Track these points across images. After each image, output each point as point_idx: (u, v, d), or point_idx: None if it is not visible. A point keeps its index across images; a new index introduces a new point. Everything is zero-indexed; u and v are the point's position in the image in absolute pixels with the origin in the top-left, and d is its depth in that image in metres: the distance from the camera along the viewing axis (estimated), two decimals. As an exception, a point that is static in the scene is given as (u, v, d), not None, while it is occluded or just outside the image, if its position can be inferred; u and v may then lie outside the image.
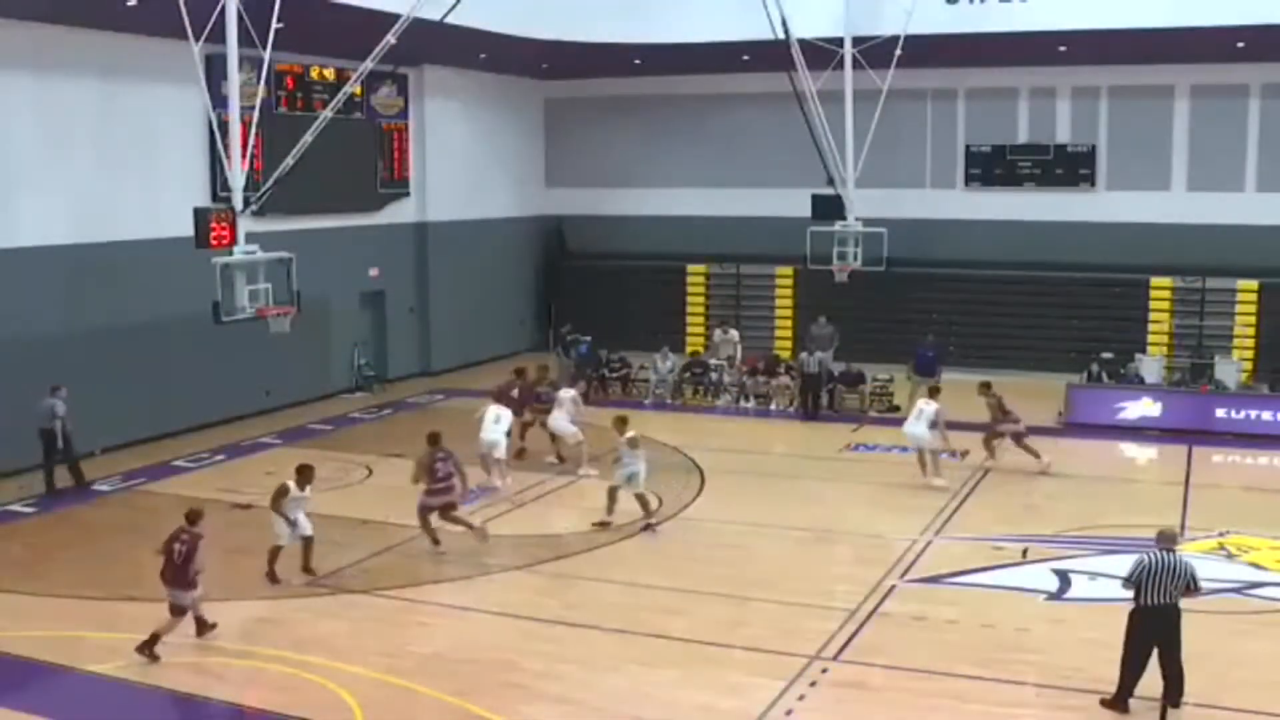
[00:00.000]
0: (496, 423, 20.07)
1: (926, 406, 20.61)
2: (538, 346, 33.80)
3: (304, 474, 15.78)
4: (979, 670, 12.68)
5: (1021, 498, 19.70)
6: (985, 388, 21.93)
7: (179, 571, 13.29)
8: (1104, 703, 11.74)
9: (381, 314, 29.78)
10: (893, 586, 15.37)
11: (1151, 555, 11.65)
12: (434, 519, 16.84)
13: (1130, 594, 11.72)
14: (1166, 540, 11.91)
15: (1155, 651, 11.63)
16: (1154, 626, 11.60)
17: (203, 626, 13.67)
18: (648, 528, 17.78)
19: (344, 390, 28.11)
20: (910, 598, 14.99)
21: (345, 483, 20.39)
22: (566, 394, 21.75)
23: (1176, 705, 11.60)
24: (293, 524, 15.60)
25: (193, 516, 13.67)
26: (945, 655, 13.06)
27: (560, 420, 21.23)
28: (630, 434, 18.14)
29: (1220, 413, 23.87)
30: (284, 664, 12.90)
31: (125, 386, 21.95)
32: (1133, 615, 11.71)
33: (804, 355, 26.72)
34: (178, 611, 13.32)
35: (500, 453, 19.98)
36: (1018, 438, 21.33)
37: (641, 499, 17.83)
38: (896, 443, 22.82)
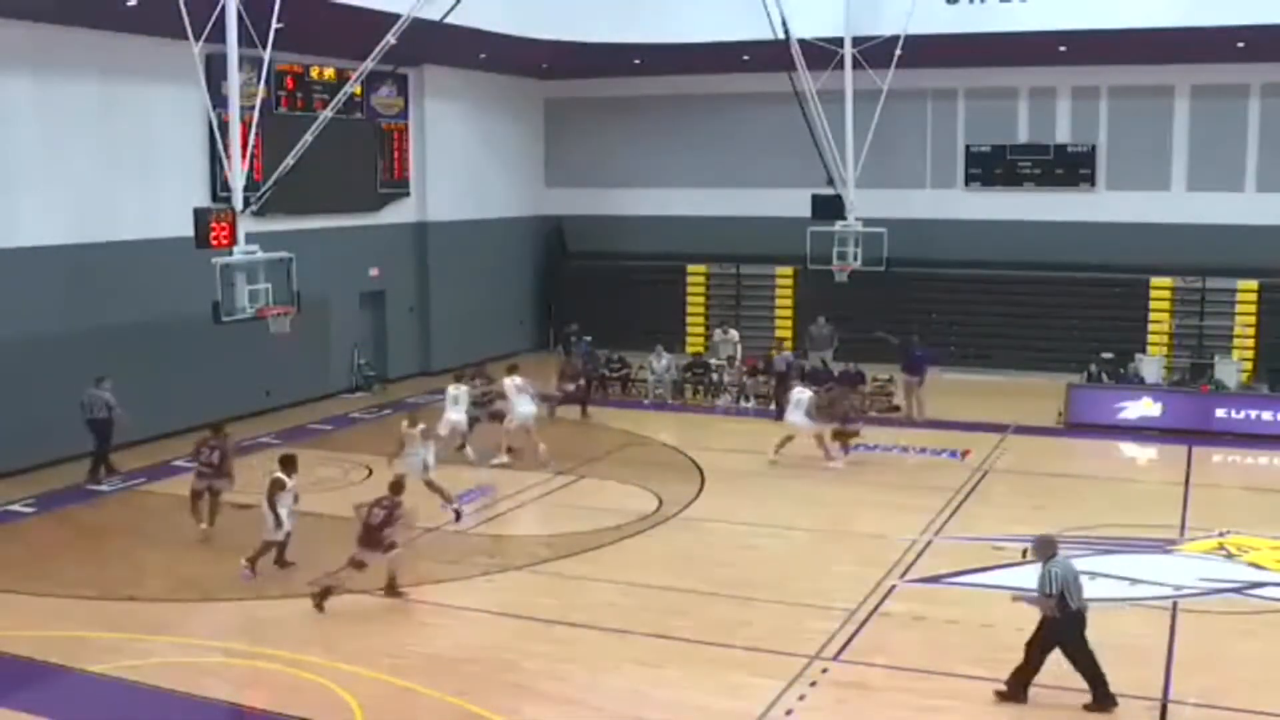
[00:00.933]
0: (455, 404, 20.87)
1: (801, 395, 21.37)
2: (538, 346, 33.85)
3: (289, 464, 15.94)
4: (979, 670, 12.67)
5: (1022, 498, 19.68)
6: (828, 390, 22.53)
7: (371, 533, 14.53)
8: (1088, 707, 11.74)
9: (381, 314, 29.78)
10: (893, 586, 15.37)
11: (1059, 564, 11.80)
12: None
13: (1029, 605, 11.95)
14: (1050, 547, 12.04)
15: (1059, 650, 11.83)
16: (1082, 627, 11.79)
17: (392, 587, 14.65)
18: (456, 515, 18.12)
19: (344, 390, 28.10)
20: (910, 598, 14.99)
21: (346, 483, 20.38)
22: (512, 382, 21.49)
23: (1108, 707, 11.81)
24: (280, 519, 15.65)
25: (396, 487, 14.97)
26: (945, 655, 13.07)
27: (525, 405, 21.27)
28: (421, 426, 18.59)
29: (1220, 413, 23.85)
30: (284, 664, 12.91)
31: (125, 387, 21.82)
32: (1066, 622, 11.71)
33: (776, 355, 26.76)
34: (358, 565, 14.49)
35: (462, 427, 20.81)
36: (839, 417, 21.78)
37: (432, 485, 18.16)
38: (896, 443, 22.90)
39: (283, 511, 15.64)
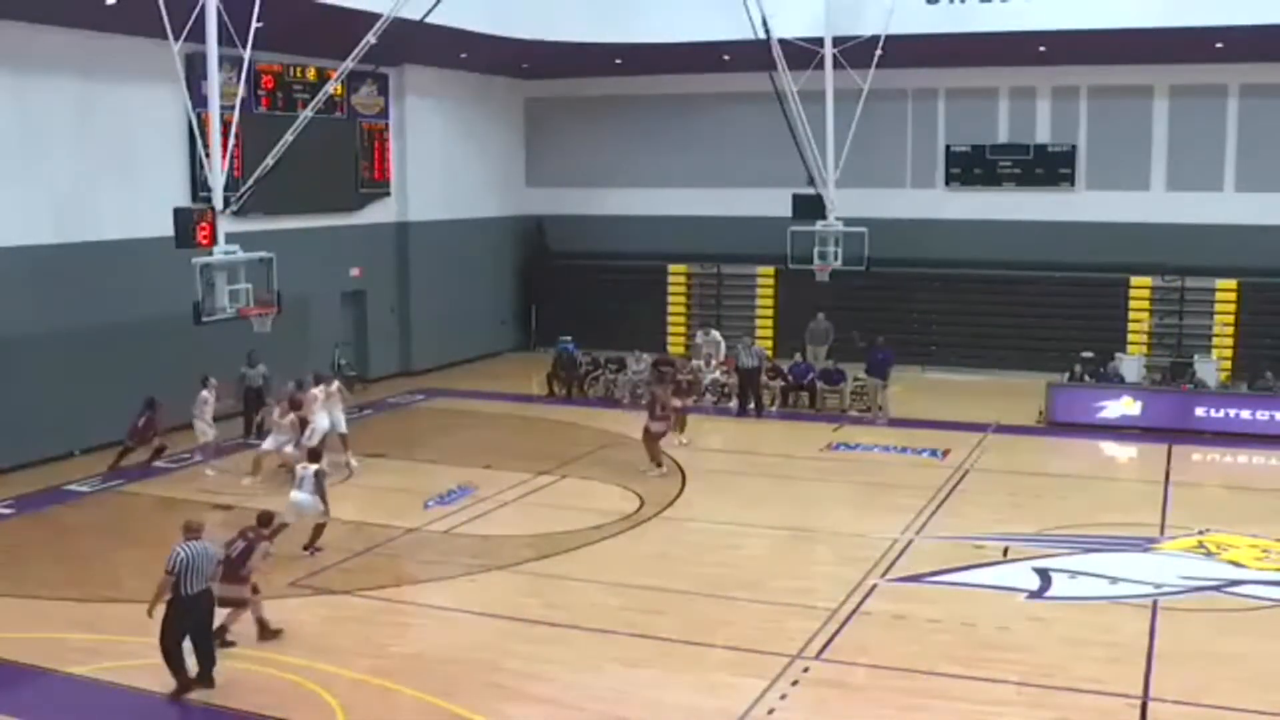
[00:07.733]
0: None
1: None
2: (519, 346, 33.82)
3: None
4: (960, 669, 12.71)
5: (1002, 497, 19.73)
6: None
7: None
8: (174, 695, 12.06)
9: (362, 314, 29.71)
10: (874, 586, 15.38)
11: (192, 547, 12.08)
12: None
13: None
14: (194, 531, 12.32)
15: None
16: (192, 614, 12.10)
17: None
18: None
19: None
20: (892, 597, 15.01)
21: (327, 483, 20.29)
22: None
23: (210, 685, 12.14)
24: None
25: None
26: (927, 654, 13.09)
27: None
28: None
29: (1200, 411, 23.94)
30: (265, 664, 12.85)
31: (104, 387, 21.81)
32: (182, 605, 12.02)
33: (740, 350, 26.63)
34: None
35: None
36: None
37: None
38: (878, 442, 22.93)
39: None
